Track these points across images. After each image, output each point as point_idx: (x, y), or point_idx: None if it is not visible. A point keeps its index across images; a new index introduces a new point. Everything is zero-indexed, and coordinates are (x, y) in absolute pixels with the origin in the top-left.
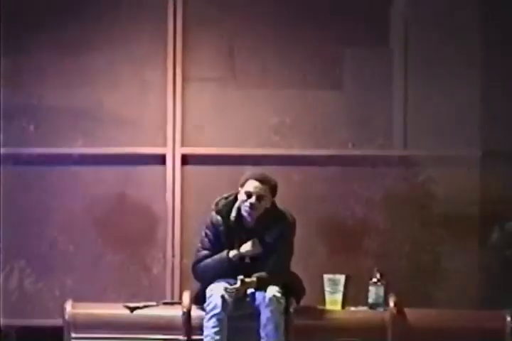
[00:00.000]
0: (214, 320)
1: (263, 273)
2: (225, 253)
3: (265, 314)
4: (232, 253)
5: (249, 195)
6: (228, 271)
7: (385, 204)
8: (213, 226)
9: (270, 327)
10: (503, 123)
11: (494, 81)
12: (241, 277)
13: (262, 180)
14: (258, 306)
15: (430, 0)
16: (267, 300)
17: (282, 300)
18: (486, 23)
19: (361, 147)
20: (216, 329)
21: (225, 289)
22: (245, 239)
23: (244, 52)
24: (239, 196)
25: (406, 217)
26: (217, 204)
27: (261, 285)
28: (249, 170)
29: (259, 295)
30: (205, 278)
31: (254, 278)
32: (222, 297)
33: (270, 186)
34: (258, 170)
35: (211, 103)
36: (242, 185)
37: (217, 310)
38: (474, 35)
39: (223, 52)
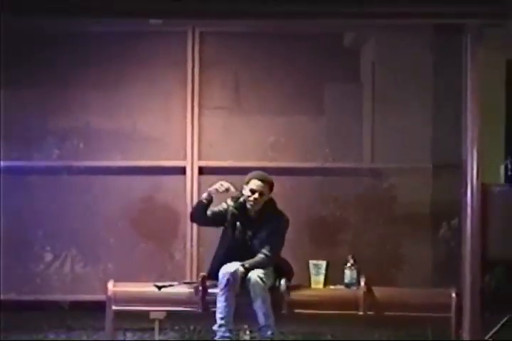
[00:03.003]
0: (225, 295)
1: (249, 261)
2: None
3: (252, 292)
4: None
5: (253, 191)
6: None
7: (357, 206)
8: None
9: (258, 301)
10: (449, 143)
11: (443, 109)
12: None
13: (262, 179)
14: (248, 285)
15: (392, 46)
16: (252, 280)
17: (265, 280)
18: (436, 63)
19: (338, 161)
20: (227, 302)
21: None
22: (247, 223)
23: (247, 87)
24: (244, 192)
25: (374, 215)
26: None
27: (247, 270)
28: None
29: (248, 277)
30: (194, 216)
31: (240, 266)
32: (232, 277)
33: (269, 184)
34: (259, 171)
35: (221, 126)
36: (247, 183)
37: (228, 288)
38: (427, 72)
39: (231, 86)
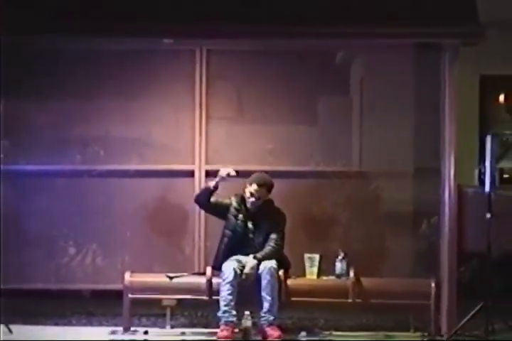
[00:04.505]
0: (228, 285)
1: (260, 253)
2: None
3: (266, 279)
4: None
5: (251, 194)
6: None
7: (347, 205)
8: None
9: (269, 288)
10: (428, 149)
11: (423, 119)
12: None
13: (261, 184)
14: (260, 274)
15: (378, 63)
16: (267, 269)
17: (276, 270)
18: (417, 78)
19: (330, 165)
20: (229, 292)
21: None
22: (248, 216)
23: (249, 99)
24: (246, 192)
25: (361, 213)
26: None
27: (259, 261)
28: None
29: (261, 266)
30: (199, 198)
31: (251, 257)
32: (234, 269)
33: (267, 187)
34: (262, 174)
35: (226, 134)
36: (250, 184)
37: (230, 279)
38: (409, 86)
39: (234, 99)
